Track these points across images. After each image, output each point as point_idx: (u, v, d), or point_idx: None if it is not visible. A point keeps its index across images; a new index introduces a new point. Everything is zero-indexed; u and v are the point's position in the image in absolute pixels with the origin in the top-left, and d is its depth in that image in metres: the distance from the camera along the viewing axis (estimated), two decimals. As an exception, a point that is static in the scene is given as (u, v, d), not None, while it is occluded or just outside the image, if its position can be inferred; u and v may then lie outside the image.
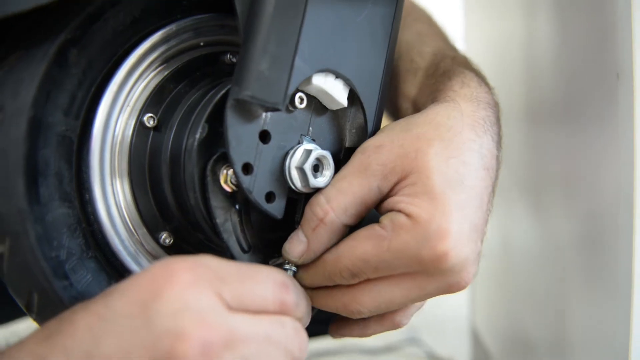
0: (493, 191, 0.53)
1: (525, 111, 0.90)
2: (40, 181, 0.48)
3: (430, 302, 0.53)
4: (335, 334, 0.59)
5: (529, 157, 0.90)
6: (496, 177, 0.53)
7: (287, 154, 0.51)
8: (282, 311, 0.46)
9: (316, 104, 0.53)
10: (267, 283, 0.46)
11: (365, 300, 0.51)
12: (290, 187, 0.52)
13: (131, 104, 0.53)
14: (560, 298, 0.77)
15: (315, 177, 0.52)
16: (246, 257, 0.52)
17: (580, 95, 0.68)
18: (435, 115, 0.51)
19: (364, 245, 0.49)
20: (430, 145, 0.49)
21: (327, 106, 0.54)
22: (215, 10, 0.56)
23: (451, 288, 0.50)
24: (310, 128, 0.53)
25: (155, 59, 0.54)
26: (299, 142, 0.52)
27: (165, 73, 0.55)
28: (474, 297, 1.33)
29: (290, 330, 0.46)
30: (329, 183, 0.52)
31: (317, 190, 0.52)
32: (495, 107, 0.55)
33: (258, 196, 0.50)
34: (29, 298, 0.49)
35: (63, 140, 0.49)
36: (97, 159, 0.52)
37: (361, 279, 0.51)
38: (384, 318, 0.55)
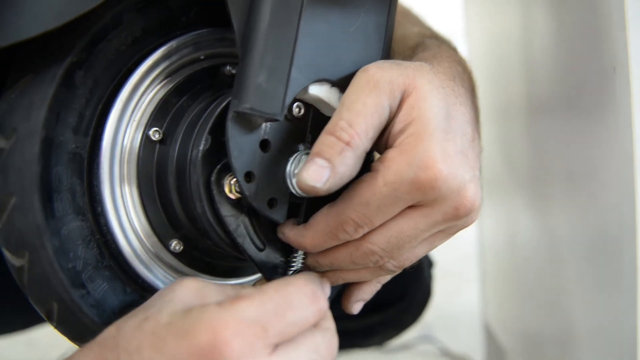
0: (477, 128, 0.54)
1: (527, 106, 0.91)
2: (54, 197, 0.50)
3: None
4: (350, 303, 0.59)
5: (532, 152, 0.90)
6: (477, 119, 0.55)
7: (287, 161, 0.54)
8: (320, 317, 0.48)
9: (314, 112, 0.55)
10: (301, 305, 0.47)
11: (375, 237, 0.51)
12: (291, 193, 0.54)
13: (137, 119, 0.55)
14: (567, 293, 0.77)
15: None
16: (263, 254, 0.55)
17: (579, 90, 0.68)
18: (415, 61, 0.54)
19: (360, 189, 0.50)
20: (422, 73, 0.52)
21: (324, 113, 0.56)
22: (214, 25, 0.58)
23: (458, 212, 0.50)
24: (309, 135, 0.55)
25: (158, 74, 0.56)
26: (299, 149, 0.54)
27: (168, 87, 0.57)
28: (486, 294, 1.33)
29: (322, 347, 0.48)
30: (339, 105, 0.51)
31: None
32: (459, 63, 0.58)
33: (261, 203, 0.52)
34: (49, 307, 0.51)
35: (74, 157, 0.52)
36: (107, 173, 0.54)
37: (366, 229, 0.50)
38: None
